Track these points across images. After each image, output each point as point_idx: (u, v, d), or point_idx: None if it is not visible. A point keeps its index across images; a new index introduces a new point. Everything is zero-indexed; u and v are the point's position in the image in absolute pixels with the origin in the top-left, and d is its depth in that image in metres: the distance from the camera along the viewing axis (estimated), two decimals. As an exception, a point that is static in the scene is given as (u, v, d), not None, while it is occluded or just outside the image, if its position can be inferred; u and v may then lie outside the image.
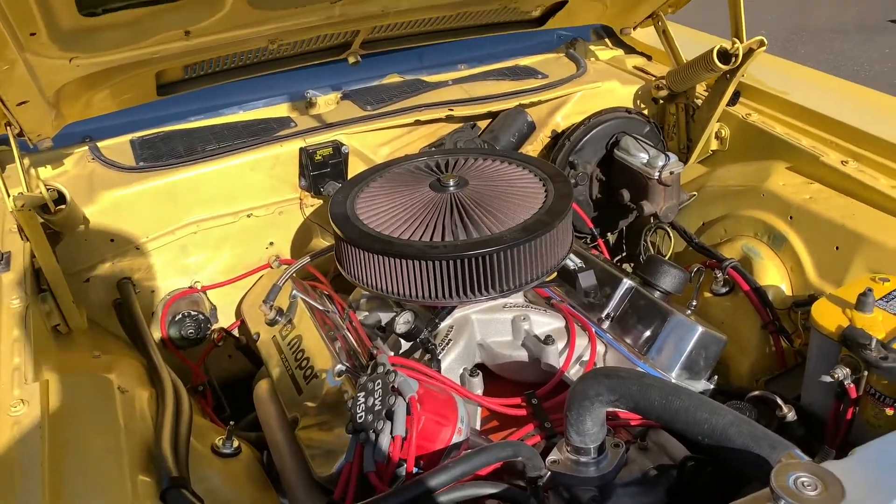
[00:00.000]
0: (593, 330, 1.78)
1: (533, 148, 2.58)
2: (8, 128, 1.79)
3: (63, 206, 1.81)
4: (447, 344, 1.73)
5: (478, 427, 1.66)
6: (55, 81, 1.74)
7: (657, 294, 1.86)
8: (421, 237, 1.68)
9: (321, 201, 2.35)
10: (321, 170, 2.26)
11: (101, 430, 1.40)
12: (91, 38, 1.68)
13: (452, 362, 1.71)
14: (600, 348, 1.76)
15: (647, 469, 1.44)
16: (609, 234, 2.66)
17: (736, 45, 2.19)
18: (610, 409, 1.38)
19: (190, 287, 2.22)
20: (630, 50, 2.92)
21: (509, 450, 1.34)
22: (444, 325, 1.75)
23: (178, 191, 2.15)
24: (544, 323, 1.77)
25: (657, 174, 2.27)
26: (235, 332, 2.27)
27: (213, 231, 2.22)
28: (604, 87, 2.61)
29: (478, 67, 2.76)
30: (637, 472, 1.44)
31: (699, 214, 2.41)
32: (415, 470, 1.36)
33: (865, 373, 1.49)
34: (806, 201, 2.06)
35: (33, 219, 1.73)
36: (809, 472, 0.96)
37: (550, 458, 1.39)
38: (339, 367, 1.66)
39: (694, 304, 2.04)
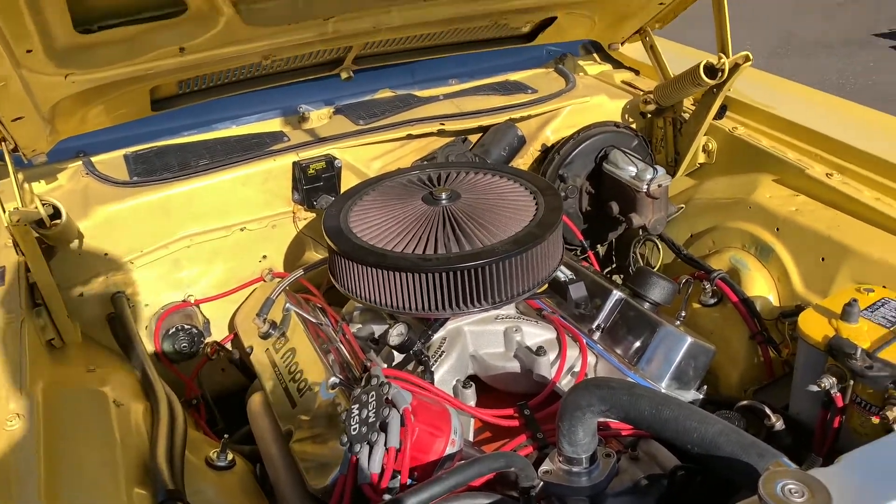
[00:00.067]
0: (584, 341, 1.80)
1: (523, 161, 2.61)
2: (2, 143, 1.80)
3: (58, 221, 1.82)
4: (440, 356, 1.74)
5: (471, 438, 1.67)
6: (50, 98, 1.76)
7: (647, 305, 1.88)
8: (414, 250, 1.70)
9: (314, 215, 2.36)
10: (314, 183, 2.28)
11: (96, 443, 1.41)
12: (86, 55, 1.70)
13: (445, 374, 1.72)
14: (591, 359, 1.78)
15: (638, 479, 1.46)
16: (599, 245, 2.69)
17: (722, 60, 2.23)
18: (601, 420, 1.40)
19: (183, 301, 2.22)
20: (618, 65, 2.96)
21: (502, 460, 1.36)
22: (436, 336, 1.77)
23: (171, 205, 2.17)
24: (536, 334, 1.79)
25: (645, 187, 2.30)
26: (228, 346, 2.28)
27: (206, 245, 2.23)
28: (592, 102, 2.64)
29: (468, 82, 2.79)
30: (628, 481, 1.45)
31: (687, 226, 2.44)
32: (409, 481, 1.37)
33: (851, 382, 1.52)
34: (792, 213, 2.10)
35: (29, 234, 1.74)
36: (796, 479, 0.98)
37: (543, 468, 1.41)
38: (333, 379, 1.68)
39: (683, 314, 2.06)
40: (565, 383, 1.73)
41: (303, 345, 1.89)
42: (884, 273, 1.82)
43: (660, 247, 2.42)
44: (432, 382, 1.65)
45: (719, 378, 2.08)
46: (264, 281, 2.32)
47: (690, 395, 1.78)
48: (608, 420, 1.51)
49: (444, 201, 1.83)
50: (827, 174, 2.12)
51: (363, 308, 1.97)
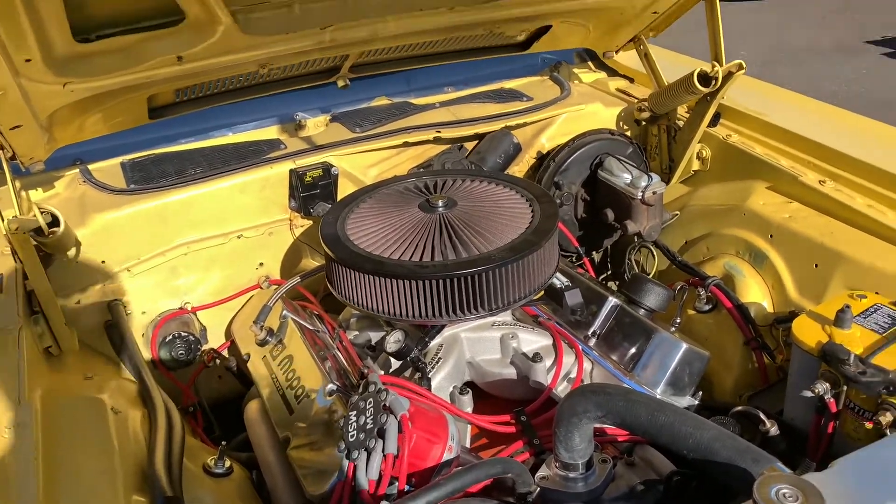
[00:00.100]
0: (580, 347, 1.81)
1: (519, 169, 2.62)
2: (0, 151, 1.81)
3: (56, 229, 1.82)
4: (437, 362, 1.75)
5: (468, 444, 1.68)
6: (49, 106, 1.77)
7: (642, 312, 1.89)
8: (411, 257, 1.71)
9: (311, 222, 2.37)
10: (311, 191, 2.29)
11: (95, 451, 1.42)
12: (85, 64, 1.71)
13: (442, 380, 1.73)
14: (587, 365, 1.79)
15: (635, 484, 1.46)
16: (594, 252, 2.70)
17: (716, 69, 2.25)
18: (597, 426, 1.41)
19: (180, 308, 2.23)
20: (612, 73, 2.98)
21: (499, 466, 1.37)
22: (433, 343, 1.78)
23: (168, 213, 2.17)
24: (532, 341, 1.80)
25: (640, 194, 2.32)
26: (225, 353, 2.28)
27: (203, 252, 2.24)
28: (587, 110, 2.66)
29: (464, 90, 2.81)
30: (624, 487, 1.46)
31: (682, 233, 2.45)
32: (407, 488, 1.38)
33: (845, 387, 1.53)
34: (786, 220, 2.12)
35: (27, 242, 1.75)
36: (791, 483, 0.99)
37: (539, 474, 1.42)
38: (330, 386, 1.68)
39: (678, 321, 2.06)
40: (561, 389, 1.74)
41: (300, 352, 1.90)
42: (876, 279, 1.84)
43: (655, 253, 2.44)
44: (429, 389, 1.66)
45: (714, 384, 2.09)
46: (261, 288, 2.32)
47: (686, 400, 1.79)
48: (604, 426, 1.52)
49: (440, 209, 1.84)
50: (820, 181, 2.14)
51: (360, 315, 1.97)
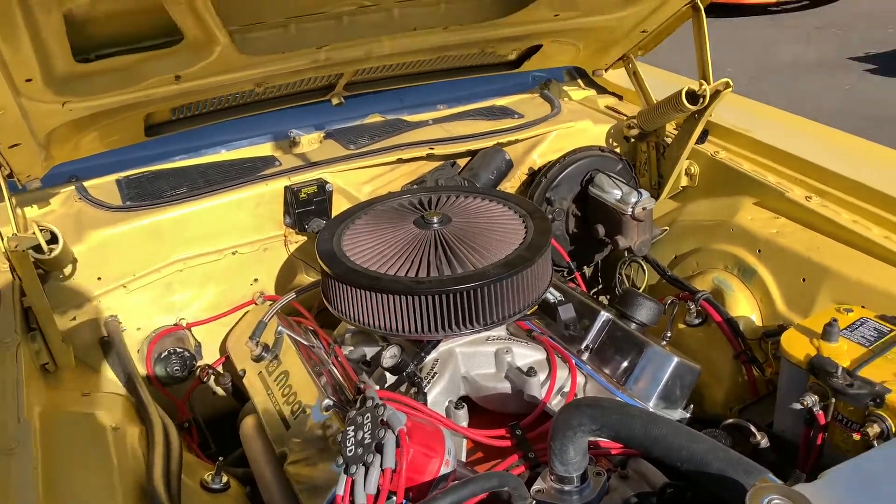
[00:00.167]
0: (573, 361, 1.83)
1: (511, 185, 2.66)
2: (-1, 169, 1.83)
3: (55, 247, 1.83)
4: (432, 377, 1.77)
5: (463, 458, 1.69)
6: (47, 125, 1.79)
7: (633, 326, 1.91)
8: (407, 273, 1.73)
9: (305, 238, 2.39)
10: (306, 207, 2.31)
11: (94, 467, 1.43)
12: (84, 83, 1.73)
13: (438, 395, 1.75)
14: (580, 379, 1.82)
15: (629, 497, 1.48)
16: (585, 267, 2.73)
17: (703, 87, 2.29)
18: (591, 439, 1.43)
19: (175, 324, 2.24)
20: (602, 90, 3.03)
21: (495, 480, 1.38)
22: (429, 358, 1.80)
23: (164, 229, 2.19)
24: (526, 355, 1.82)
25: (630, 210, 2.36)
26: (220, 369, 2.29)
27: (198, 269, 2.25)
28: (577, 127, 2.70)
29: (456, 107, 2.84)
30: (618, 499, 1.48)
31: (672, 248, 2.49)
32: (404, 502, 1.39)
33: (833, 400, 1.56)
34: (773, 235, 2.16)
35: (27, 259, 1.76)
36: (782, 494, 1.02)
37: (535, 487, 1.43)
38: (327, 401, 1.69)
39: (669, 335, 2.10)
40: (555, 403, 1.76)
41: (296, 367, 1.91)
42: (862, 293, 1.88)
43: (645, 268, 2.47)
44: (425, 404, 1.68)
45: (705, 397, 2.12)
46: (256, 304, 2.34)
47: (678, 413, 1.82)
48: (598, 439, 1.54)
49: (435, 225, 1.86)
50: (806, 197, 2.19)
51: (355, 330, 1.99)
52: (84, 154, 2.09)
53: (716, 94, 2.29)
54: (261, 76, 2.01)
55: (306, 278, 2.40)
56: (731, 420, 1.77)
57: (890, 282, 1.87)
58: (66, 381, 1.83)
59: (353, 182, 2.43)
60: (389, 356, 1.73)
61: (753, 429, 1.71)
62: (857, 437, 1.52)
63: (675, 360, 1.80)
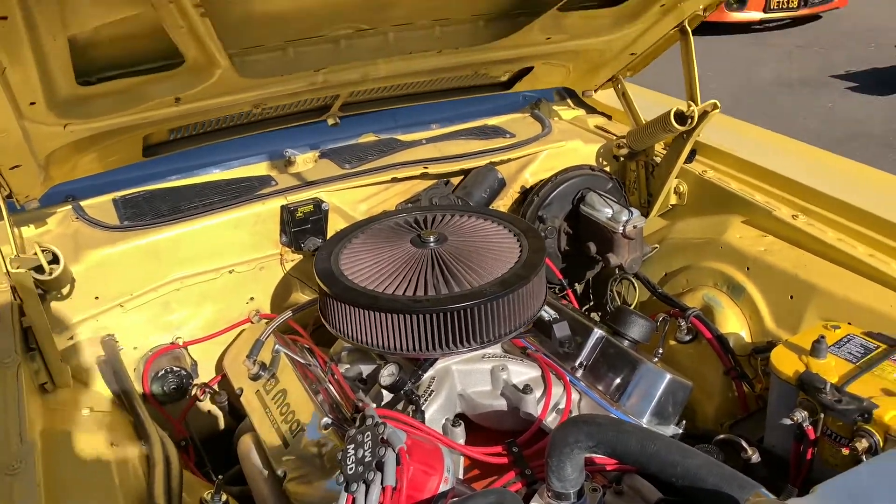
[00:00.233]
0: (568, 378, 1.86)
1: (503, 203, 2.70)
2: (-2, 190, 1.84)
3: (56, 267, 1.85)
4: (429, 395, 1.79)
5: (461, 476, 1.71)
6: (48, 147, 1.81)
7: (626, 343, 1.95)
8: (405, 292, 1.76)
9: (301, 256, 2.41)
10: (302, 226, 2.33)
11: (96, 487, 1.44)
12: (85, 106, 1.76)
13: (435, 413, 1.77)
14: (575, 396, 1.84)
15: (624, 512, 1.51)
16: (576, 284, 2.77)
17: (692, 108, 2.35)
18: (587, 455, 1.46)
19: (172, 343, 2.25)
20: (591, 110, 3.08)
21: (493, 497, 1.40)
22: (426, 376, 1.82)
23: (161, 249, 2.20)
24: (522, 372, 1.85)
25: (621, 228, 2.40)
26: (216, 387, 2.30)
27: (195, 287, 2.26)
28: (568, 146, 2.74)
29: (449, 127, 2.88)
30: (614, 515, 1.51)
31: (662, 265, 2.53)
32: (404, 519, 1.41)
33: (822, 415, 1.59)
34: (761, 253, 2.20)
35: (28, 280, 1.77)
36: (775, 508, 1.05)
37: (532, 503, 1.46)
38: (325, 420, 1.72)
39: (660, 351, 2.13)
40: (551, 420, 1.79)
41: (293, 386, 1.93)
42: (848, 310, 1.93)
43: (636, 285, 2.51)
44: (423, 421, 1.70)
45: (696, 412, 2.15)
46: (252, 322, 2.36)
47: (670, 429, 1.85)
48: (593, 455, 1.57)
49: (431, 244, 1.90)
50: (793, 216, 2.24)
51: (351, 348, 2.02)
52: (82, 174, 2.11)
53: (704, 114, 2.34)
54: (259, 98, 2.04)
55: (302, 297, 2.42)
56: (722, 435, 1.81)
57: (875, 299, 1.92)
58: (65, 401, 1.83)
59: (349, 201, 2.46)
60: (387, 374, 1.75)
61: (745, 444, 1.74)
62: (846, 451, 1.55)
63: (668, 376, 1.84)
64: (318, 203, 2.36)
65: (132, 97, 1.80)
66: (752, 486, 1.22)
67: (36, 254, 1.79)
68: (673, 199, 2.64)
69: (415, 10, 2.02)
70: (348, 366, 2.00)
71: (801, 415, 1.61)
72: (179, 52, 1.75)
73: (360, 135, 2.78)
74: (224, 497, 1.71)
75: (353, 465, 1.44)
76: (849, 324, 1.81)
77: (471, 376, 1.84)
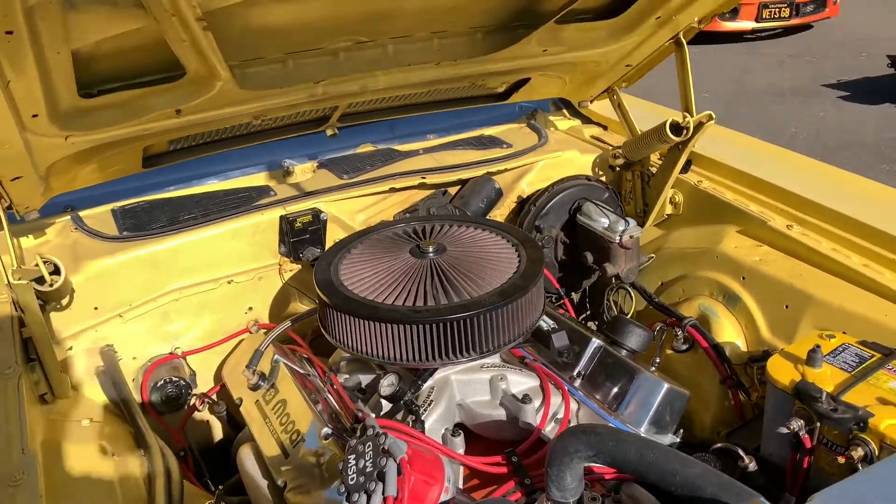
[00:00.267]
0: (566, 388, 1.88)
1: (500, 213, 2.71)
2: (-2, 201, 1.85)
3: (57, 278, 1.85)
4: (429, 405, 1.80)
5: (460, 486, 1.72)
6: (49, 158, 1.81)
7: (624, 352, 1.97)
8: (404, 302, 1.77)
9: (300, 266, 2.42)
10: (301, 236, 2.35)
11: (98, 498, 1.44)
12: (87, 118, 1.76)
13: (434, 423, 1.78)
14: (573, 405, 1.86)
15: (623, 521, 1.52)
16: (573, 293, 2.79)
17: (687, 119, 2.37)
18: (587, 464, 1.47)
19: (170, 353, 2.25)
20: (586, 120, 3.10)
21: (494, 506, 1.42)
22: (425, 386, 1.83)
23: (161, 259, 2.21)
24: (520, 382, 1.86)
25: (618, 238, 2.42)
26: (214, 397, 2.30)
27: (194, 298, 2.27)
28: (564, 156, 2.77)
29: (446, 137, 2.90)
30: (614, 523, 1.52)
31: (658, 275, 2.55)
32: (406, 529, 1.42)
33: (818, 424, 1.61)
34: (756, 263, 2.22)
35: (30, 291, 1.78)
36: (774, 517, 1.06)
37: (533, 513, 1.47)
38: (326, 430, 1.72)
39: (657, 360, 2.15)
40: (549, 430, 1.80)
41: (293, 396, 1.94)
42: (843, 319, 1.95)
43: (632, 294, 2.53)
44: (423, 431, 1.71)
45: (693, 421, 2.16)
46: (250, 332, 2.36)
47: (668, 438, 1.86)
48: (592, 464, 1.58)
49: (431, 254, 1.91)
50: (787, 226, 2.26)
51: (350, 358, 2.02)
52: (81, 185, 2.11)
53: (699, 125, 2.37)
54: (259, 110, 2.05)
55: (300, 306, 2.43)
56: (719, 444, 1.82)
57: (869, 308, 1.94)
58: (65, 412, 1.83)
59: (347, 211, 2.48)
60: (387, 384, 1.76)
61: (742, 453, 1.75)
62: (841, 460, 1.57)
63: (666, 386, 1.85)
64: (316, 213, 2.37)
65: (133, 109, 1.81)
66: (750, 495, 1.23)
67: (37, 265, 1.80)
68: (668, 209, 2.66)
69: (414, 23, 2.04)
70: (347, 376, 2.01)
71: (797, 423, 1.62)
72: (180, 65, 1.76)
73: (357, 145, 2.79)
74: (224, 507, 1.72)
75: (355, 475, 1.45)
76: (843, 333, 1.83)
77: (470, 386, 1.85)
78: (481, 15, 2.15)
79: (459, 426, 1.81)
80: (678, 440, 1.88)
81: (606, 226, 2.47)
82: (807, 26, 11.63)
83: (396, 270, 1.88)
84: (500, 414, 1.81)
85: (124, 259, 2.17)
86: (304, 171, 2.57)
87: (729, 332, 2.22)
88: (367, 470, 1.44)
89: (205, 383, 2.32)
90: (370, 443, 1.48)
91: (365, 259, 1.98)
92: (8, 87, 1.45)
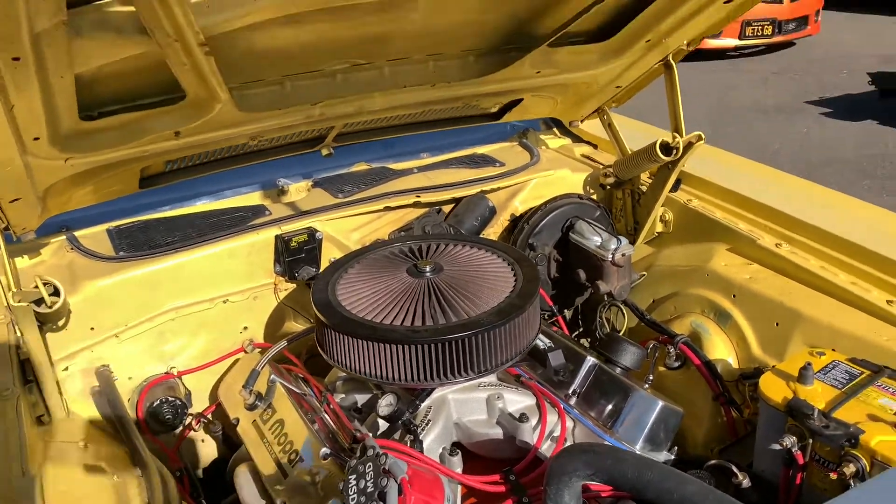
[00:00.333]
0: (562, 406, 1.89)
1: (494, 231, 2.74)
2: (-4, 223, 1.85)
3: (57, 300, 1.86)
4: (426, 424, 1.82)
5: (459, 504, 1.73)
6: (48, 180, 1.82)
7: (618, 370, 1.99)
8: (402, 322, 1.79)
9: (295, 286, 2.44)
10: (296, 255, 2.36)
11: (99, 520, 1.44)
12: (87, 140, 1.78)
13: (432, 442, 1.79)
14: (569, 423, 1.87)
15: (621, 539, 1.54)
16: (566, 310, 2.81)
17: (677, 140, 2.41)
18: (584, 482, 1.49)
19: (166, 373, 2.25)
20: (577, 139, 3.15)
21: (494, 525, 1.43)
22: (422, 406, 1.84)
23: (157, 279, 2.22)
24: (517, 401, 1.88)
25: (610, 256, 2.45)
26: (210, 417, 2.30)
27: (190, 317, 2.28)
28: (556, 175, 2.80)
29: (439, 155, 2.93)
30: (611, 541, 1.54)
31: (649, 292, 2.58)
32: (407, 549, 1.43)
33: (810, 440, 1.64)
34: (747, 281, 2.26)
35: (29, 314, 1.78)
36: (772, 534, 1.08)
37: (531, 531, 1.48)
38: (325, 450, 1.73)
39: (651, 378, 2.18)
40: (546, 448, 1.81)
41: (290, 416, 1.94)
42: (832, 336, 1.98)
43: (624, 312, 2.55)
44: (422, 451, 1.72)
45: (686, 438, 2.19)
46: (245, 352, 2.37)
47: (663, 456, 1.88)
48: (589, 482, 1.60)
49: (428, 274, 1.93)
50: (776, 244, 2.30)
51: (346, 378, 2.03)
52: (78, 205, 2.12)
53: (689, 146, 2.41)
54: (257, 131, 2.07)
55: (295, 326, 2.43)
56: (713, 461, 1.84)
57: (857, 325, 1.98)
58: (61, 433, 1.83)
59: (342, 230, 2.49)
60: (385, 404, 1.77)
61: (735, 469, 1.78)
62: (833, 476, 1.59)
63: (661, 403, 1.87)
64: (312, 232, 2.39)
65: (133, 131, 1.83)
66: (747, 512, 1.26)
67: (37, 286, 1.80)
68: (659, 227, 2.69)
69: (410, 46, 2.07)
70: (343, 395, 2.02)
71: (790, 440, 1.65)
72: (180, 87, 1.78)
73: (351, 164, 2.81)
74: (223, 528, 1.72)
75: (356, 495, 1.46)
76: (833, 350, 1.86)
77: (467, 405, 1.87)
78: (476, 38, 2.19)
79: (457, 445, 1.83)
80: (673, 457, 1.90)
81: (599, 244, 2.50)
82: (789, 44, 11.81)
83: (394, 290, 1.90)
84: (498, 433, 1.83)
85: (121, 279, 2.17)
86: (298, 190, 2.59)
87: (720, 350, 2.25)
88: (369, 490, 1.45)
89: (200, 403, 2.32)
90: (371, 463, 1.49)
91: (362, 279, 1.99)
92: (12, 111, 1.46)
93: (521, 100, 2.63)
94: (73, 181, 1.93)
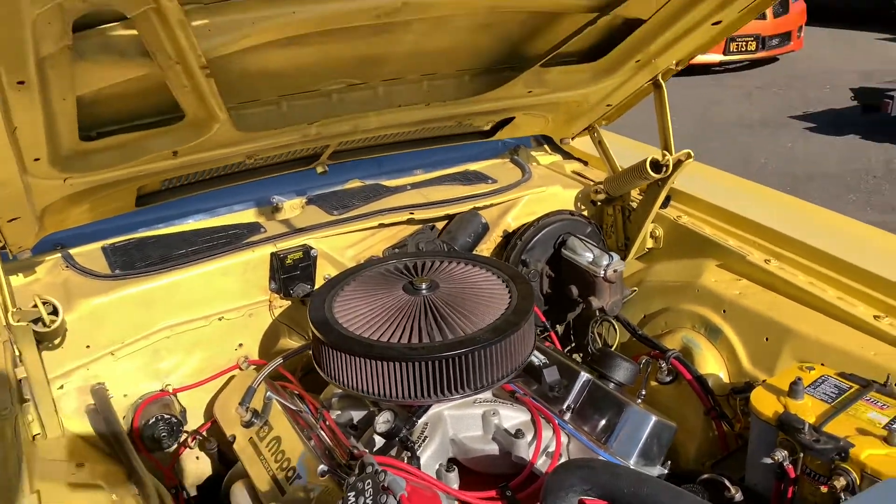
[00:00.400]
0: (557, 422, 1.91)
1: (486, 247, 2.77)
2: (-7, 242, 1.86)
3: (56, 319, 1.86)
4: (423, 441, 1.83)
5: (456, 520, 1.75)
6: (46, 199, 1.83)
7: (612, 385, 2.02)
8: (399, 339, 1.81)
9: (290, 303, 2.45)
10: (291, 273, 2.37)
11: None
12: (86, 160, 1.79)
13: (429, 458, 1.80)
14: (564, 439, 1.89)
15: (617, 553, 1.56)
16: (558, 325, 2.84)
17: (666, 157, 2.46)
18: (581, 497, 1.51)
19: (161, 390, 2.25)
20: (567, 156, 3.19)
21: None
22: (419, 422, 1.86)
23: (153, 297, 2.22)
24: (512, 417, 1.89)
25: (602, 272, 2.48)
26: (205, 434, 2.30)
27: (185, 335, 2.28)
28: (548, 192, 2.84)
29: (432, 172, 2.96)
30: (607, 556, 1.55)
31: (641, 308, 2.62)
32: (406, 565, 1.44)
33: (801, 454, 1.67)
34: (736, 296, 2.30)
35: (28, 333, 1.78)
36: (766, 548, 1.11)
37: (528, 546, 1.50)
38: (322, 467, 1.74)
39: (643, 393, 2.20)
40: (541, 463, 1.83)
41: (287, 433, 1.95)
42: (821, 351, 2.02)
43: (616, 327, 2.58)
44: (419, 468, 1.73)
45: (678, 453, 2.21)
46: (240, 369, 2.37)
47: (656, 470, 1.90)
48: (585, 497, 1.62)
49: (423, 291, 1.95)
50: (765, 260, 2.34)
51: (342, 394, 2.04)
52: (74, 224, 2.13)
53: (678, 163, 2.45)
54: (253, 150, 2.09)
55: (290, 343, 2.44)
56: (706, 475, 1.87)
57: (845, 340, 2.02)
58: (57, 451, 1.83)
59: (337, 247, 2.51)
60: (383, 421, 1.79)
61: (728, 483, 1.80)
62: (824, 489, 1.62)
63: (654, 418, 1.90)
64: (307, 250, 2.40)
65: (131, 151, 1.84)
66: (741, 526, 1.28)
67: (36, 305, 1.81)
68: (649, 243, 2.73)
69: (404, 66, 2.11)
70: (339, 412, 2.03)
71: (781, 454, 1.67)
72: (178, 107, 1.80)
73: (345, 181, 2.83)
74: (221, 545, 1.72)
75: (355, 512, 1.47)
76: (822, 365, 1.89)
77: (463, 421, 1.88)
78: (469, 58, 2.23)
79: (453, 461, 1.84)
80: (666, 472, 1.92)
81: (591, 260, 2.53)
82: (772, 59, 11.98)
83: (390, 307, 1.92)
84: (493, 448, 1.85)
85: (116, 298, 2.17)
86: (293, 208, 2.61)
87: (711, 364, 2.28)
88: (368, 507, 1.47)
89: (195, 420, 2.32)
90: (370, 480, 1.51)
91: (358, 296, 2.01)
92: (14, 132, 1.47)
93: (513, 118, 2.66)
94: (70, 200, 1.94)
